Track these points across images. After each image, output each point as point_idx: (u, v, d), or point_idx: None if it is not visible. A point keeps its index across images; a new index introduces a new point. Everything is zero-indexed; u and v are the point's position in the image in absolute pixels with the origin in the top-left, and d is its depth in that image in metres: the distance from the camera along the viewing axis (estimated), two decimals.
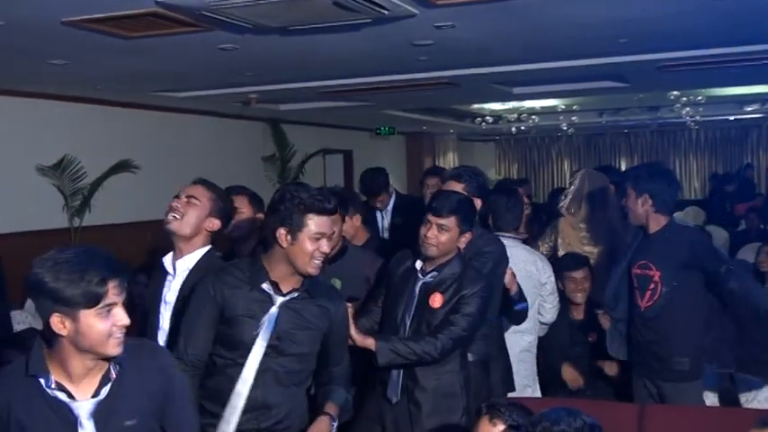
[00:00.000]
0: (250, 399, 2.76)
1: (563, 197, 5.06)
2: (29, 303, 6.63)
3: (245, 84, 8.04)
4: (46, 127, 7.99)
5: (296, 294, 2.80)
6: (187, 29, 5.11)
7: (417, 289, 3.27)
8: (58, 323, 2.04)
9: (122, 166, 8.47)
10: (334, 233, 3.03)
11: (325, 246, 2.74)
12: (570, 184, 5.11)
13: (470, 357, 3.46)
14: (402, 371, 3.23)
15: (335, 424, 2.86)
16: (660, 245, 3.91)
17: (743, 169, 15.03)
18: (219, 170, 9.96)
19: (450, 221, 3.20)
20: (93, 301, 2.04)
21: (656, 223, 3.94)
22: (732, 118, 15.13)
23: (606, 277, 4.64)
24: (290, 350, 2.80)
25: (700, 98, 11.52)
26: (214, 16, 4.60)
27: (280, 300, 2.78)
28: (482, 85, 8.84)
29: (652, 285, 3.89)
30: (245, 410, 2.77)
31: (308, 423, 2.86)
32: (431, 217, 3.22)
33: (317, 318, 2.87)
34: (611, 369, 4.25)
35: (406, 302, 3.27)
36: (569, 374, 4.32)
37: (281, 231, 2.72)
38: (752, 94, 11.96)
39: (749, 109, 13.64)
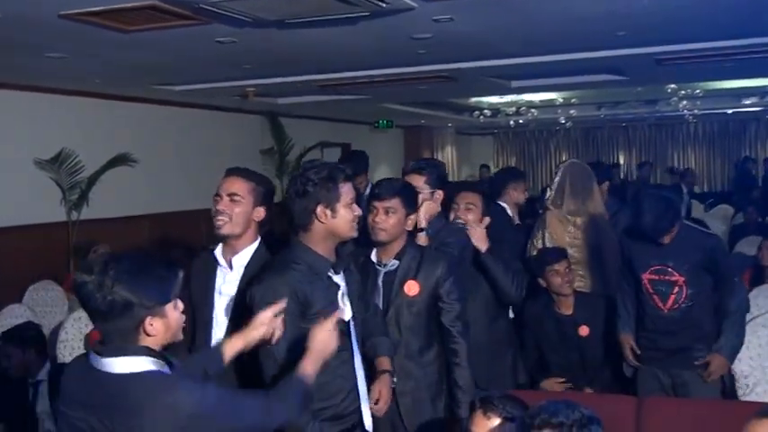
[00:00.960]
0: (342, 381, 2.82)
1: (548, 190, 5.03)
2: (27, 297, 6.63)
3: (243, 77, 8.03)
4: (44, 120, 7.98)
5: (343, 267, 2.89)
6: (185, 22, 5.10)
7: (380, 280, 3.29)
8: (149, 326, 2.08)
9: (120, 160, 8.46)
10: None
11: (357, 209, 2.84)
12: (554, 176, 5.08)
13: None
14: None
15: (394, 379, 3.03)
16: (678, 248, 3.84)
17: (741, 162, 15.03)
18: (217, 164, 9.92)
19: (395, 203, 3.26)
20: (174, 294, 2.15)
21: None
22: (730, 111, 15.13)
23: (594, 270, 4.63)
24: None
25: (698, 91, 11.52)
26: (212, 9, 4.59)
27: (341, 279, 2.86)
28: (480, 79, 8.84)
29: (676, 290, 3.85)
30: (347, 395, 2.84)
31: None
32: (376, 203, 3.28)
33: (354, 282, 2.98)
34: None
35: (372, 295, 3.28)
36: (550, 386, 4.27)
37: (320, 209, 2.77)
38: (750, 88, 11.96)
39: (747, 102, 13.65)
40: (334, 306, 2.78)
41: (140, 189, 8.91)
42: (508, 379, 4.05)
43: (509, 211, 5.17)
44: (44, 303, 6.57)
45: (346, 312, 2.84)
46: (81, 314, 5.47)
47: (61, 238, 8.09)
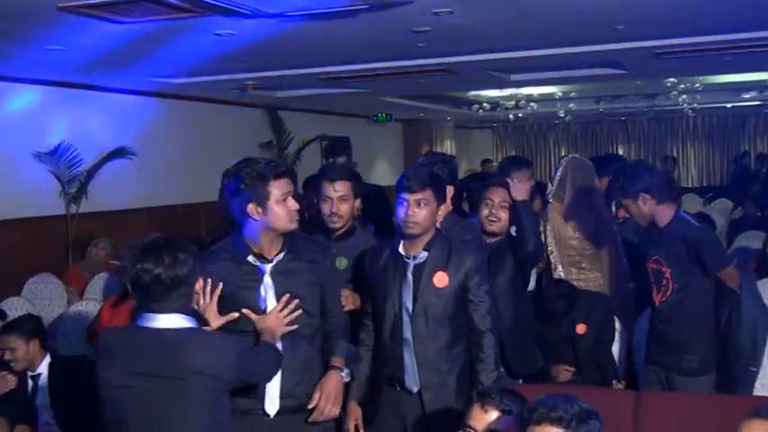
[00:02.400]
0: None
1: (550, 184, 5.03)
2: (26, 290, 6.63)
3: (242, 70, 8.02)
4: (42, 113, 7.96)
5: (281, 257, 2.95)
6: (183, 14, 5.09)
7: (410, 273, 3.24)
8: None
9: (119, 153, 8.45)
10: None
11: (292, 203, 2.90)
12: (556, 171, 5.07)
13: None
14: (415, 359, 3.22)
15: (344, 374, 3.03)
16: (668, 240, 3.87)
17: (739, 157, 15.04)
18: (216, 157, 9.93)
19: (427, 194, 3.21)
20: None
21: (664, 216, 3.89)
22: (729, 105, 15.12)
23: (595, 263, 4.63)
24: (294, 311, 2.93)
25: (697, 85, 11.52)
26: (211, 2, 4.59)
27: (268, 267, 2.94)
28: (479, 72, 8.83)
29: (664, 282, 3.88)
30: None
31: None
32: (407, 195, 3.20)
33: (310, 273, 3.01)
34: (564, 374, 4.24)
35: (401, 288, 3.24)
36: (558, 372, 4.28)
37: (251, 207, 2.87)
38: (749, 82, 11.95)
39: (746, 96, 13.64)
40: (254, 290, 2.92)
41: (139, 182, 8.90)
42: (533, 359, 4.08)
43: None
44: (43, 296, 6.57)
45: (263, 299, 2.92)
46: (80, 307, 5.48)
47: (60, 231, 8.09)
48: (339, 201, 3.61)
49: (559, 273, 4.55)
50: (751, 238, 7.19)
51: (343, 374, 3.01)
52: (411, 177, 3.26)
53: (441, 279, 3.21)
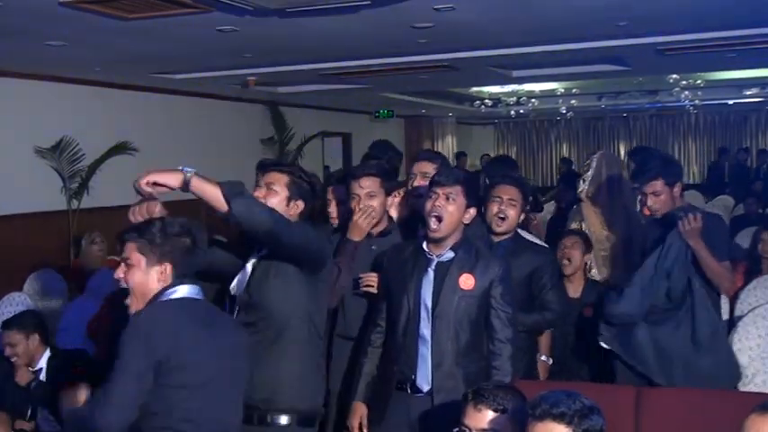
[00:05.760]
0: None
1: (581, 182, 4.94)
2: (27, 285, 6.63)
3: (244, 66, 8.02)
4: (44, 108, 7.97)
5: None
6: (186, 10, 5.09)
7: (432, 269, 3.18)
8: None
9: (121, 148, 8.45)
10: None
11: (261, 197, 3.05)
12: (586, 168, 4.98)
13: None
14: (431, 360, 3.14)
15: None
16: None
17: (736, 153, 15.03)
18: (218, 153, 9.94)
19: (457, 190, 3.16)
20: None
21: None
22: (731, 102, 15.12)
23: (624, 263, 4.60)
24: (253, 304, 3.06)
25: (699, 82, 11.51)
26: None
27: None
28: (481, 68, 8.83)
29: None
30: None
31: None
32: (437, 188, 3.17)
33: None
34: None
35: (420, 283, 3.17)
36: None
37: None
38: (751, 79, 11.95)
39: (748, 93, 13.63)
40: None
41: None
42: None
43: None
44: (44, 292, 6.57)
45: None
46: (82, 302, 5.47)
47: (62, 226, 8.09)
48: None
49: (593, 274, 4.54)
50: (752, 236, 7.17)
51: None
52: (443, 173, 3.29)
53: (467, 281, 3.15)
